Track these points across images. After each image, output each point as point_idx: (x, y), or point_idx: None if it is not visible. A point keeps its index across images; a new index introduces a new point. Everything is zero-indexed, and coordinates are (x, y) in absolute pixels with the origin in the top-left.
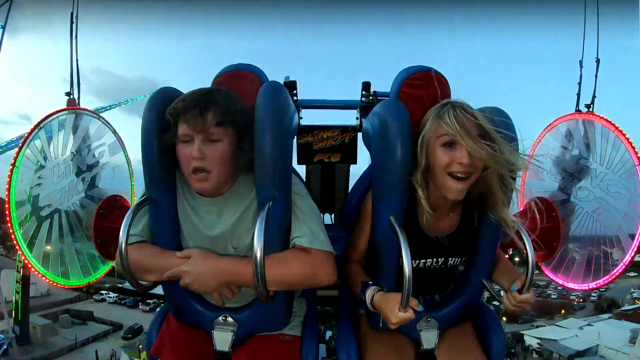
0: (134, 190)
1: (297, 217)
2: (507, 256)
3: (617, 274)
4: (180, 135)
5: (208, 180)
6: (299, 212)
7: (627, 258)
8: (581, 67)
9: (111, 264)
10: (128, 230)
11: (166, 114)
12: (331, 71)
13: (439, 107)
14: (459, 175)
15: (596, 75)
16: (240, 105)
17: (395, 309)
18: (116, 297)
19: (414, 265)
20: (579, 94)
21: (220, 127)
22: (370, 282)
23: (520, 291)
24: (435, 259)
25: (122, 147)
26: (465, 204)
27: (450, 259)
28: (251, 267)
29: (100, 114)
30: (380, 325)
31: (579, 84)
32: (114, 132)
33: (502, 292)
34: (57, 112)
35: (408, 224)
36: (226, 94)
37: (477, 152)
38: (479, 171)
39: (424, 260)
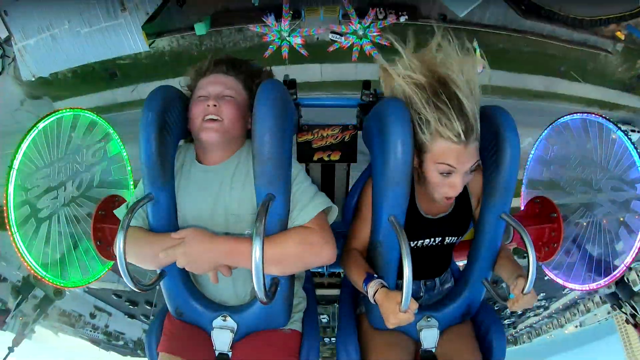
0: (133, 190)
1: (292, 203)
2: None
3: (618, 274)
4: (199, 91)
5: (218, 126)
6: (294, 198)
7: (628, 259)
8: None
9: (111, 264)
10: (127, 229)
11: (191, 69)
12: None
13: (443, 117)
14: (450, 195)
15: None
16: (255, 76)
17: (396, 309)
18: None
19: (413, 246)
20: None
21: (233, 88)
22: (375, 275)
23: (522, 292)
24: (432, 239)
25: (121, 146)
26: None
27: (447, 238)
28: (247, 247)
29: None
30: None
31: None
32: (113, 131)
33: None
34: (55, 111)
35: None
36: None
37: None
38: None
39: (422, 241)
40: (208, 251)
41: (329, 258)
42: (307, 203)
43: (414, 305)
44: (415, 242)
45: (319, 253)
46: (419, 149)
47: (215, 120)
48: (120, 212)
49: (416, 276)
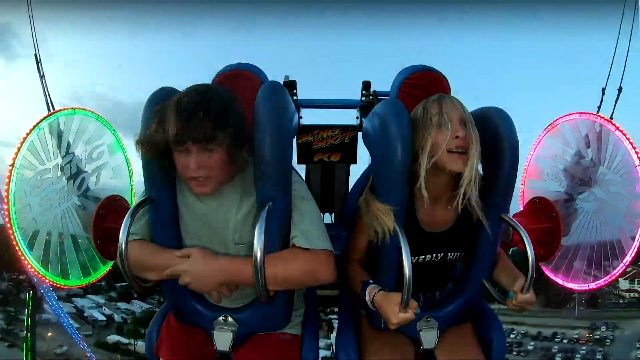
0: (134, 190)
1: (296, 217)
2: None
3: (617, 274)
4: (174, 140)
5: (207, 184)
6: (298, 212)
7: (628, 258)
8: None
9: (111, 264)
10: (128, 230)
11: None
12: (330, 70)
13: (426, 101)
14: (459, 150)
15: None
16: (233, 107)
17: (395, 309)
18: None
19: (414, 261)
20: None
21: (214, 141)
22: (370, 281)
23: (521, 291)
24: (434, 255)
25: (122, 147)
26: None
27: (449, 253)
28: (250, 267)
29: (100, 114)
30: (382, 325)
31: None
32: (114, 132)
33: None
34: (56, 112)
35: (407, 220)
36: (216, 101)
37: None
38: (473, 146)
39: (423, 256)
40: (212, 271)
41: (328, 279)
42: (320, 234)
43: (414, 304)
44: (417, 258)
45: (320, 278)
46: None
47: (202, 179)
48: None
49: (416, 290)
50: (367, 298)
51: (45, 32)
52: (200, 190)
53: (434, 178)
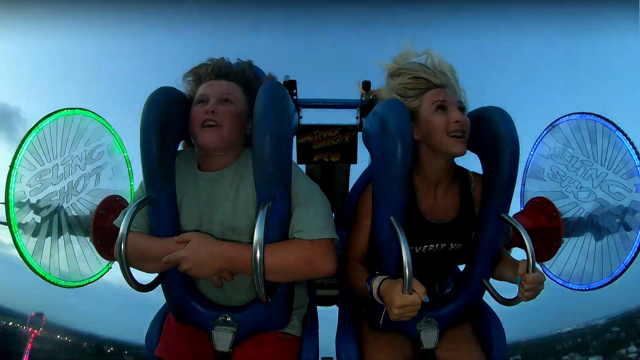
0: (134, 190)
1: (297, 213)
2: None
3: (618, 274)
4: (198, 96)
5: (216, 132)
6: (299, 208)
7: (628, 259)
8: None
9: (111, 264)
10: (129, 225)
11: (190, 76)
12: (330, 70)
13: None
14: (457, 134)
15: None
16: (256, 76)
17: (400, 292)
18: None
19: (416, 250)
20: None
21: (232, 93)
22: (377, 272)
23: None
24: (437, 244)
25: (122, 147)
26: (464, 193)
27: (452, 244)
28: (250, 254)
29: (100, 114)
30: (381, 323)
31: None
32: (114, 132)
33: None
34: (56, 112)
35: (408, 210)
36: (246, 64)
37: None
38: (468, 128)
39: (426, 246)
40: (211, 256)
41: (328, 273)
42: (320, 224)
43: (422, 289)
44: (420, 248)
45: (319, 269)
46: (414, 119)
47: (213, 126)
48: (119, 222)
49: None
50: (374, 286)
51: None
52: (207, 138)
53: (432, 161)
